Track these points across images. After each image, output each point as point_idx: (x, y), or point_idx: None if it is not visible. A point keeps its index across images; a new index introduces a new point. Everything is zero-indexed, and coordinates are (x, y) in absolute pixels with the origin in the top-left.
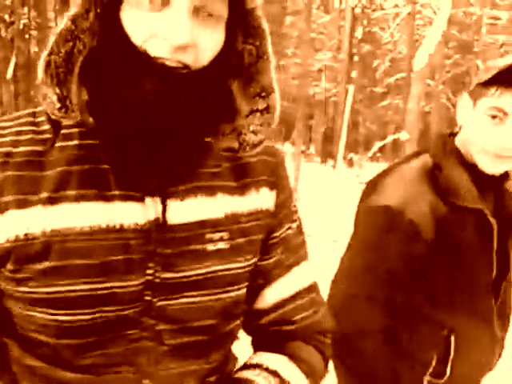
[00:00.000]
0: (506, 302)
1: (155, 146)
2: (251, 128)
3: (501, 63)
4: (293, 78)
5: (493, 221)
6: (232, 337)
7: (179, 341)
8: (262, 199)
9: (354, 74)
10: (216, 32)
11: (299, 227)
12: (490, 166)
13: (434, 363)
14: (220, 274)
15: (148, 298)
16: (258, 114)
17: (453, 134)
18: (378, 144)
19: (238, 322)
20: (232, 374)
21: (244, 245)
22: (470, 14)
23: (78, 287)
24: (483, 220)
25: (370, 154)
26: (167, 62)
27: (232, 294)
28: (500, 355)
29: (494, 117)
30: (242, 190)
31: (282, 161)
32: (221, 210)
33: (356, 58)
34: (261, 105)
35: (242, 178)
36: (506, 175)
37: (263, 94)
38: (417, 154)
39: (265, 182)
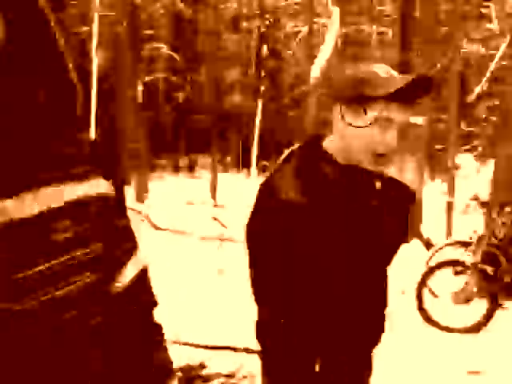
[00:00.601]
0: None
1: None
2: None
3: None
4: (207, 93)
5: (346, 207)
6: (99, 334)
7: (54, 342)
8: (102, 186)
9: (262, 88)
10: None
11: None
12: (373, 164)
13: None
14: (72, 261)
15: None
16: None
17: (322, 136)
18: (286, 151)
19: (100, 310)
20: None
21: (90, 231)
22: (361, 30)
23: None
24: (342, 206)
25: (280, 160)
26: None
27: (87, 280)
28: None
29: (383, 126)
30: (82, 177)
31: (115, 152)
32: (64, 198)
33: (264, 74)
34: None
35: (80, 165)
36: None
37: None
38: (296, 154)
39: (102, 170)
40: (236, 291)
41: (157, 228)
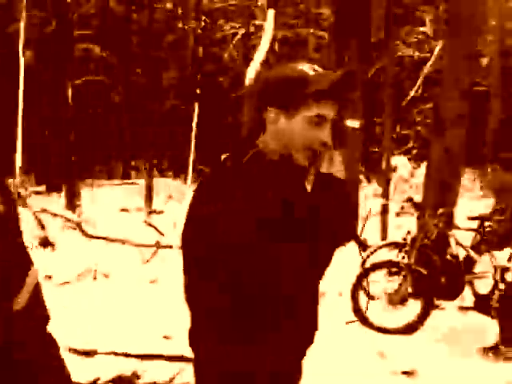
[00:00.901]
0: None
1: None
2: None
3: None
4: (143, 96)
5: (284, 207)
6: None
7: None
8: None
9: (199, 91)
10: None
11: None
12: (308, 161)
13: None
14: None
15: None
16: None
17: (256, 137)
18: (223, 156)
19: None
20: None
21: None
22: (297, 33)
23: None
24: (279, 206)
25: (215, 165)
26: None
27: None
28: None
29: (316, 123)
30: None
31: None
32: None
33: (200, 76)
34: None
35: None
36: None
37: None
38: (231, 157)
39: None
40: (171, 298)
41: (88, 236)
